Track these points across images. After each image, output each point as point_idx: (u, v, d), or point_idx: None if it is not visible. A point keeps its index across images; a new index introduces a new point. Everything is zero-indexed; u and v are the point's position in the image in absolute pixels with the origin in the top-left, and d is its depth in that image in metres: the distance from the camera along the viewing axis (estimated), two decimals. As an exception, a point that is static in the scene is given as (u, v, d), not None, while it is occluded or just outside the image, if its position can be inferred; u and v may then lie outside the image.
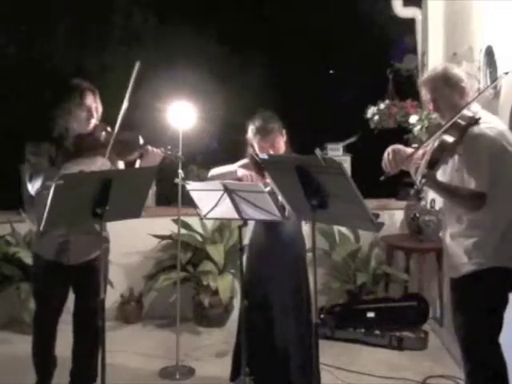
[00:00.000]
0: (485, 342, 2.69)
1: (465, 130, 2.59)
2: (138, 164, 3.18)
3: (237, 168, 3.36)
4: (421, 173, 2.55)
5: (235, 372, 3.45)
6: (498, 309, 2.69)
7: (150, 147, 3.12)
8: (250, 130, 3.31)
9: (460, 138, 2.60)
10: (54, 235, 3.09)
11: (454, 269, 2.77)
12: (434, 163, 2.60)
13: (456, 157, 2.65)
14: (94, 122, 3.13)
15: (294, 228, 3.29)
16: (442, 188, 2.65)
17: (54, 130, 3.11)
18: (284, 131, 3.31)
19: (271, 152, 3.22)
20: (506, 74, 2.85)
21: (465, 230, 2.70)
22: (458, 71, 2.77)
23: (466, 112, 2.62)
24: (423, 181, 2.53)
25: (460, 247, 2.72)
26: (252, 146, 3.33)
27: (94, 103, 3.13)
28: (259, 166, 3.07)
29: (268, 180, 2.80)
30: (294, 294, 3.27)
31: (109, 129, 3.11)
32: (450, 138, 2.61)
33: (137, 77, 2.90)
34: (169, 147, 3.16)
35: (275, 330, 3.23)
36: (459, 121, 2.61)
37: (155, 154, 3.11)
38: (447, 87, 2.71)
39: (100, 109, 3.19)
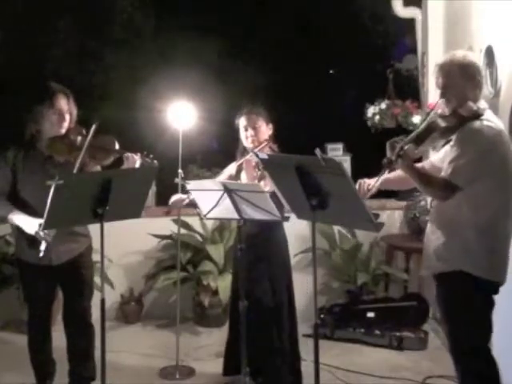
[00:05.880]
0: (466, 342, 2.65)
1: (464, 121, 2.55)
2: None
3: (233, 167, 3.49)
4: (401, 146, 2.52)
5: (227, 367, 3.63)
6: (469, 312, 2.62)
7: (129, 154, 3.12)
8: (238, 115, 3.46)
9: (455, 127, 2.56)
10: (34, 238, 3.07)
11: (425, 267, 2.80)
12: (418, 141, 2.56)
13: (448, 147, 2.63)
14: (66, 125, 3.12)
15: (270, 229, 3.34)
16: (414, 168, 2.61)
17: (25, 132, 3.13)
18: (271, 125, 3.46)
19: (252, 133, 3.38)
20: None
21: (437, 228, 2.67)
22: (477, 62, 2.69)
23: (471, 104, 2.58)
24: (401, 153, 2.50)
25: (431, 246, 2.70)
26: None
27: (66, 106, 3.11)
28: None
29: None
30: (265, 294, 3.37)
31: (84, 132, 3.11)
32: (442, 123, 2.57)
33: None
34: (145, 153, 3.16)
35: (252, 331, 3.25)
36: (460, 111, 2.56)
37: (134, 161, 3.11)
38: (462, 77, 2.61)
39: (74, 112, 3.18)
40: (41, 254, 2.93)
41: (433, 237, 2.71)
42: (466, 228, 2.57)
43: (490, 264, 2.59)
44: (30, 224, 2.99)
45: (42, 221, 2.88)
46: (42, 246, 2.94)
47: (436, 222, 2.71)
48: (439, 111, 2.66)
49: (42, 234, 2.93)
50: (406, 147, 2.55)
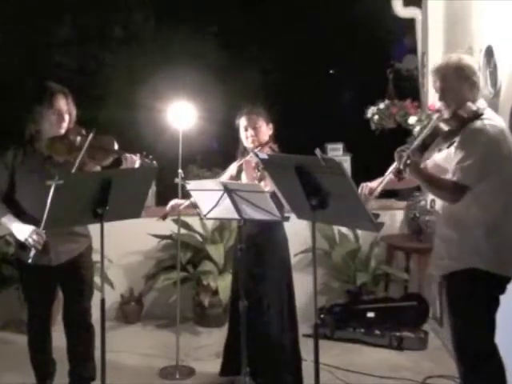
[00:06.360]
0: (475, 343, 2.66)
1: (465, 122, 2.58)
2: None
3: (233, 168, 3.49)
4: (408, 154, 2.55)
5: (225, 367, 3.63)
6: (479, 311, 2.64)
7: (128, 154, 3.11)
8: (238, 115, 3.47)
9: (458, 129, 2.60)
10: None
11: (436, 266, 2.81)
12: (424, 147, 2.60)
13: (452, 149, 2.65)
14: (65, 125, 3.11)
15: (270, 229, 3.34)
16: (423, 174, 2.63)
17: (24, 132, 3.13)
18: (271, 125, 3.46)
19: (252, 133, 3.39)
20: None
21: (447, 228, 2.69)
22: (472, 64, 2.72)
23: (470, 105, 2.61)
24: (408, 161, 2.53)
25: (441, 246, 2.72)
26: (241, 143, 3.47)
27: (65, 106, 3.10)
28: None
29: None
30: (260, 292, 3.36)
31: (84, 132, 3.10)
32: (445, 127, 2.62)
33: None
34: (144, 153, 3.15)
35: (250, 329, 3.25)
36: (461, 113, 2.60)
37: (133, 161, 3.09)
38: (458, 79, 2.65)
39: (74, 112, 3.17)
40: (29, 261, 2.93)
41: (443, 236, 2.72)
42: (476, 226, 2.59)
43: (500, 260, 2.61)
44: (20, 230, 3.00)
45: (33, 228, 2.92)
46: (31, 253, 2.93)
47: (445, 222, 2.73)
48: (437, 114, 2.68)
49: (30, 240, 2.93)
50: (412, 155, 2.56)
